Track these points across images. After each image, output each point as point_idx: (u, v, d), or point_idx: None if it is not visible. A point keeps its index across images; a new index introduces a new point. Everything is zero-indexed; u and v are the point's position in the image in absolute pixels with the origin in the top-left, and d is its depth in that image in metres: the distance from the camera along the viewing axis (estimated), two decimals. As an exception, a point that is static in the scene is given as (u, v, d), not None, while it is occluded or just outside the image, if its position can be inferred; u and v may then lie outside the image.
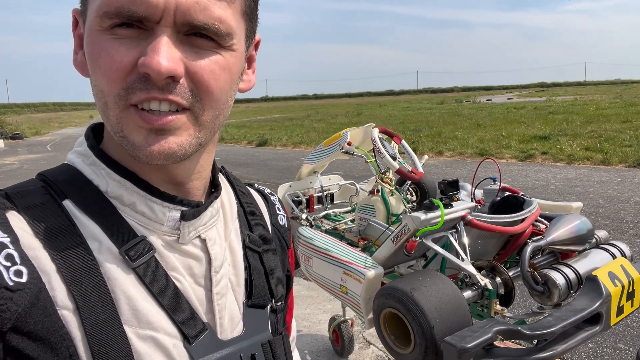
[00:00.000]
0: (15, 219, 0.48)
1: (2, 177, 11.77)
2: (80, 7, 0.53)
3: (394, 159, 2.61)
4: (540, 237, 2.01)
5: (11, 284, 0.43)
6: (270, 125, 25.69)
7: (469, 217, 1.99)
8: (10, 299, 0.43)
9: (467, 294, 1.81)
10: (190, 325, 0.54)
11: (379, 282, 2.01)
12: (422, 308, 1.61)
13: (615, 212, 5.91)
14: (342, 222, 3.03)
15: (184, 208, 0.56)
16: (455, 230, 2.02)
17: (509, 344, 2.93)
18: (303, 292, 4.04)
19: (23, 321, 0.44)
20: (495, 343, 1.50)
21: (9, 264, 0.44)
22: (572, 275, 1.82)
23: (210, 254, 0.58)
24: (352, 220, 3.02)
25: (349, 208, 3.23)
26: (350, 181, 3.38)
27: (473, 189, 2.48)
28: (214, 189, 0.64)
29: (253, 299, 0.63)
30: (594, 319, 1.65)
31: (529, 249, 1.89)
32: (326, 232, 2.78)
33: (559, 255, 2.16)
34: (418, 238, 1.93)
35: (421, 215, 1.89)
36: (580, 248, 2.05)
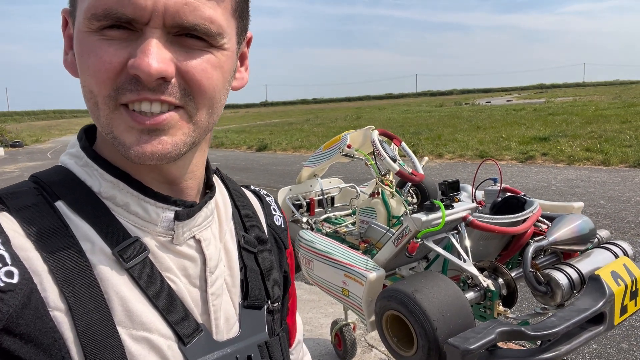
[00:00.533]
0: (7, 220, 0.48)
1: (2, 184, 11.74)
2: (70, 7, 0.53)
3: (394, 161, 2.60)
4: (542, 237, 2.00)
5: (2, 284, 0.43)
6: (270, 129, 25.72)
7: (471, 217, 1.98)
8: (1, 300, 0.42)
9: (470, 295, 1.80)
10: (185, 326, 0.53)
11: (381, 284, 2.00)
12: (424, 310, 1.60)
13: (616, 212, 5.90)
14: (342, 225, 3.02)
15: (177, 208, 0.55)
16: (456, 231, 2.01)
17: (512, 345, 2.91)
18: (305, 296, 4.02)
19: (14, 322, 0.43)
20: (499, 344, 1.49)
21: None
22: (574, 275, 1.81)
23: (205, 255, 0.58)
24: (353, 223, 3.01)
25: (350, 211, 3.23)
26: (351, 184, 3.37)
27: (474, 190, 2.47)
28: (208, 189, 0.63)
29: (249, 300, 0.63)
30: (598, 318, 1.63)
31: (531, 250, 1.88)
32: (327, 235, 2.77)
33: (561, 255, 2.15)
34: (419, 239, 1.92)
35: (422, 217, 1.88)
36: (582, 248, 2.04)
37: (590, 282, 1.69)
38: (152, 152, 0.49)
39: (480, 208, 2.37)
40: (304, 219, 2.90)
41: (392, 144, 2.79)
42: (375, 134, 2.67)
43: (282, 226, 0.75)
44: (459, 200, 2.07)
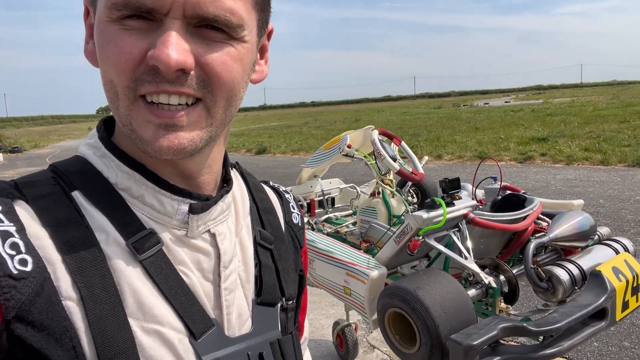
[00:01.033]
0: (22, 209, 0.48)
1: (1, 190, 11.72)
2: None
3: (395, 160, 2.61)
4: (542, 234, 2.00)
5: (15, 272, 0.43)
6: (269, 133, 25.71)
7: (471, 215, 1.98)
8: (14, 287, 0.43)
9: (472, 292, 1.80)
10: (196, 320, 0.53)
11: (383, 282, 2.00)
12: (426, 307, 1.60)
13: (616, 211, 5.91)
14: (343, 225, 3.02)
15: (193, 201, 0.55)
16: (457, 229, 2.01)
17: (514, 343, 2.91)
18: (306, 298, 4.02)
19: (27, 310, 0.43)
20: (501, 341, 1.50)
21: (13, 252, 0.44)
22: (576, 271, 1.82)
23: (219, 249, 0.57)
24: (354, 223, 3.01)
25: (350, 211, 3.23)
26: (351, 184, 3.38)
27: (474, 188, 2.48)
28: (225, 183, 0.63)
29: (263, 296, 0.62)
30: (600, 314, 1.64)
31: (532, 246, 1.88)
32: (328, 235, 2.77)
33: (562, 252, 2.16)
34: (421, 237, 1.92)
35: (423, 214, 1.89)
36: (583, 244, 2.05)
37: (592, 278, 1.70)
38: (168, 146, 0.49)
39: (480, 207, 2.38)
40: (305, 220, 2.90)
41: (392, 144, 2.80)
42: (375, 134, 2.68)
43: (300, 224, 0.75)
44: (460, 198, 2.07)
